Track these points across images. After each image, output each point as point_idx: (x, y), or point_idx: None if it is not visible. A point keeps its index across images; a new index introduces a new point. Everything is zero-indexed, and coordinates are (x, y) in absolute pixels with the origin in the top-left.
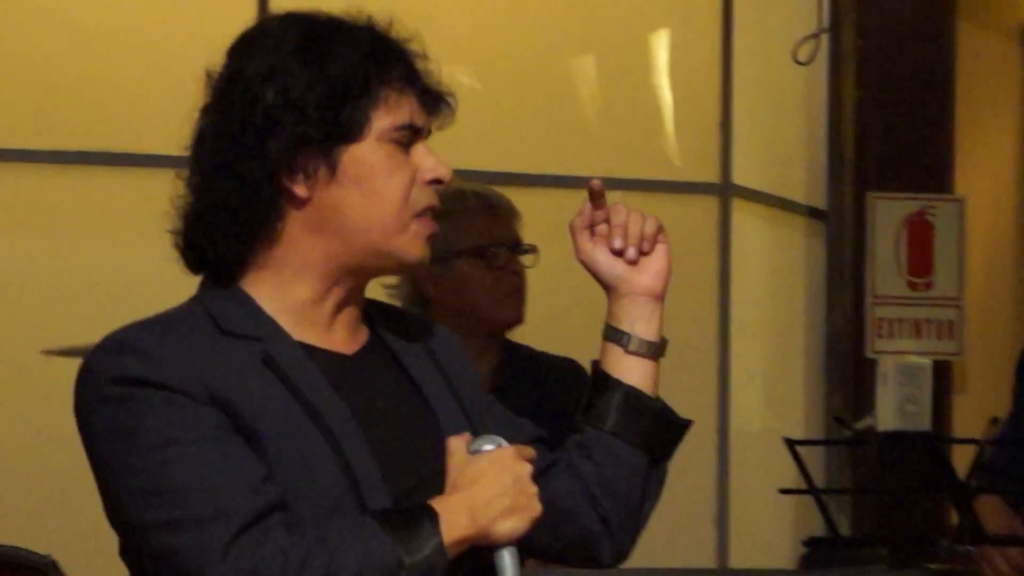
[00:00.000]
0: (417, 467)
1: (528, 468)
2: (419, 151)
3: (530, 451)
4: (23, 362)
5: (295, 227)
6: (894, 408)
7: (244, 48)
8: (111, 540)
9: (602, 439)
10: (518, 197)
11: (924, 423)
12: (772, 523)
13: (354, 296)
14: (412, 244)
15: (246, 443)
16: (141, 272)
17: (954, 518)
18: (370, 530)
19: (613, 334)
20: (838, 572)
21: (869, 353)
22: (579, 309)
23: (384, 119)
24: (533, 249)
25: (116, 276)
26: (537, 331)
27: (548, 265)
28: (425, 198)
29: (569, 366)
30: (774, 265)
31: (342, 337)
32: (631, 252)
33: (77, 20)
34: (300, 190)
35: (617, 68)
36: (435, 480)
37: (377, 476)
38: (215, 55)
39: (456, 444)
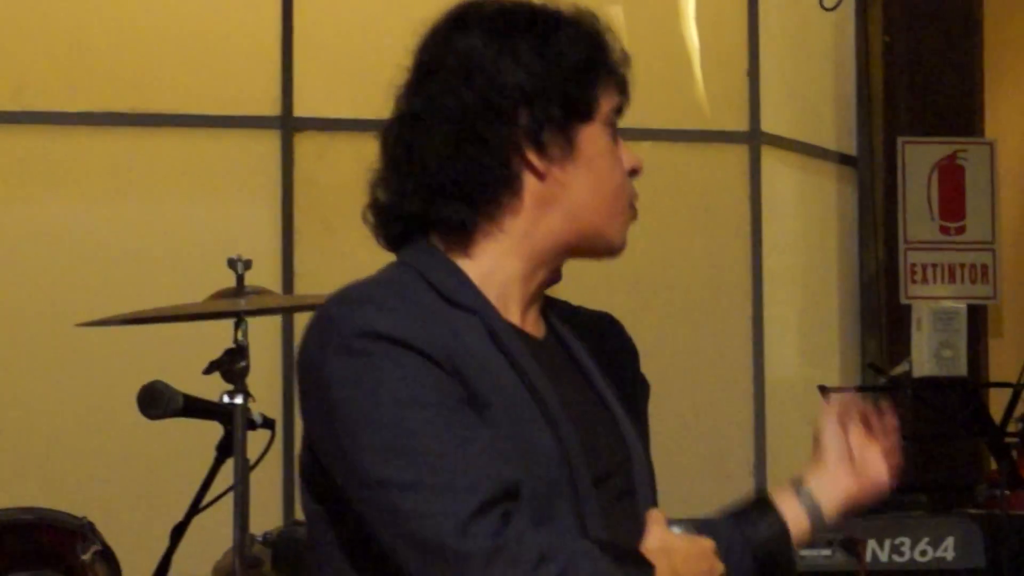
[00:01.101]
0: (607, 456)
1: (722, 569)
2: (619, 140)
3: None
4: (59, 332)
5: (525, 200)
6: (930, 353)
7: (463, 27)
8: (142, 503)
9: (743, 545)
10: None
11: (960, 368)
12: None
13: (550, 280)
14: (622, 230)
15: (480, 417)
16: (175, 232)
17: (991, 463)
18: (601, 558)
19: (798, 484)
20: (877, 517)
21: (903, 299)
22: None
23: (607, 102)
24: None
25: (151, 235)
26: (572, 287)
27: None
28: (631, 187)
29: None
30: (805, 212)
31: (532, 320)
32: (858, 457)
33: None
34: (540, 165)
35: (644, 18)
36: (621, 471)
37: (584, 461)
38: (245, 17)
39: (657, 514)
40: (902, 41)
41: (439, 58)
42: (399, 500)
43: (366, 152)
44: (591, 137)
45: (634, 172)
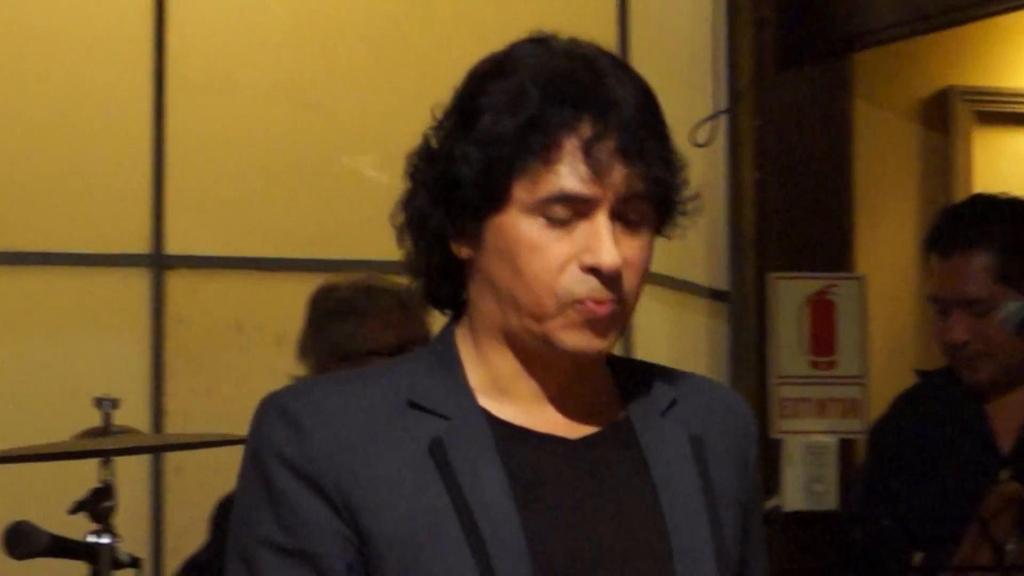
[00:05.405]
0: None
1: None
2: (586, 229)
3: None
4: None
5: (468, 284)
6: (800, 488)
7: None
8: None
9: None
10: None
11: (831, 502)
12: None
13: (579, 371)
14: (565, 332)
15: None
16: (43, 371)
17: None
18: None
19: None
20: None
21: (774, 433)
22: None
23: (528, 189)
24: None
25: (17, 375)
26: None
27: None
28: (581, 286)
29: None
30: (677, 347)
31: (563, 418)
32: None
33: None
34: (464, 252)
35: None
36: None
37: None
38: (115, 154)
39: None
40: (773, 177)
41: None
42: None
43: (237, 289)
44: (500, 228)
45: (594, 270)
